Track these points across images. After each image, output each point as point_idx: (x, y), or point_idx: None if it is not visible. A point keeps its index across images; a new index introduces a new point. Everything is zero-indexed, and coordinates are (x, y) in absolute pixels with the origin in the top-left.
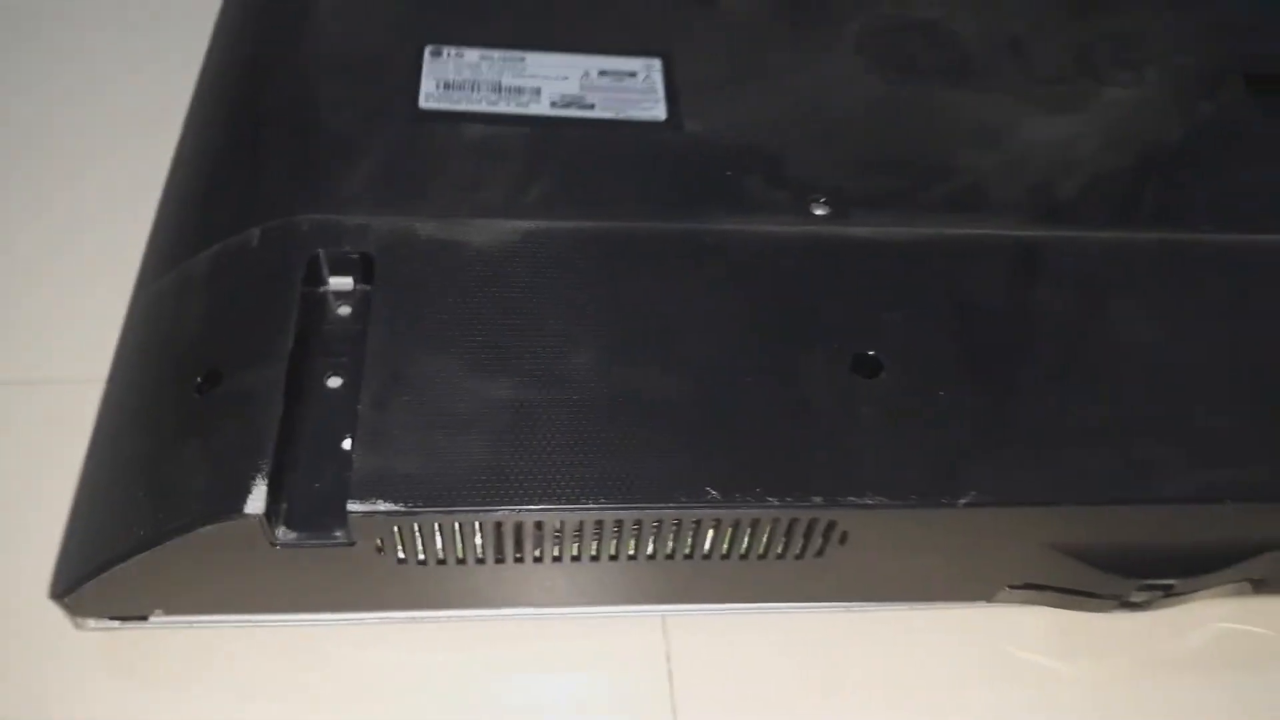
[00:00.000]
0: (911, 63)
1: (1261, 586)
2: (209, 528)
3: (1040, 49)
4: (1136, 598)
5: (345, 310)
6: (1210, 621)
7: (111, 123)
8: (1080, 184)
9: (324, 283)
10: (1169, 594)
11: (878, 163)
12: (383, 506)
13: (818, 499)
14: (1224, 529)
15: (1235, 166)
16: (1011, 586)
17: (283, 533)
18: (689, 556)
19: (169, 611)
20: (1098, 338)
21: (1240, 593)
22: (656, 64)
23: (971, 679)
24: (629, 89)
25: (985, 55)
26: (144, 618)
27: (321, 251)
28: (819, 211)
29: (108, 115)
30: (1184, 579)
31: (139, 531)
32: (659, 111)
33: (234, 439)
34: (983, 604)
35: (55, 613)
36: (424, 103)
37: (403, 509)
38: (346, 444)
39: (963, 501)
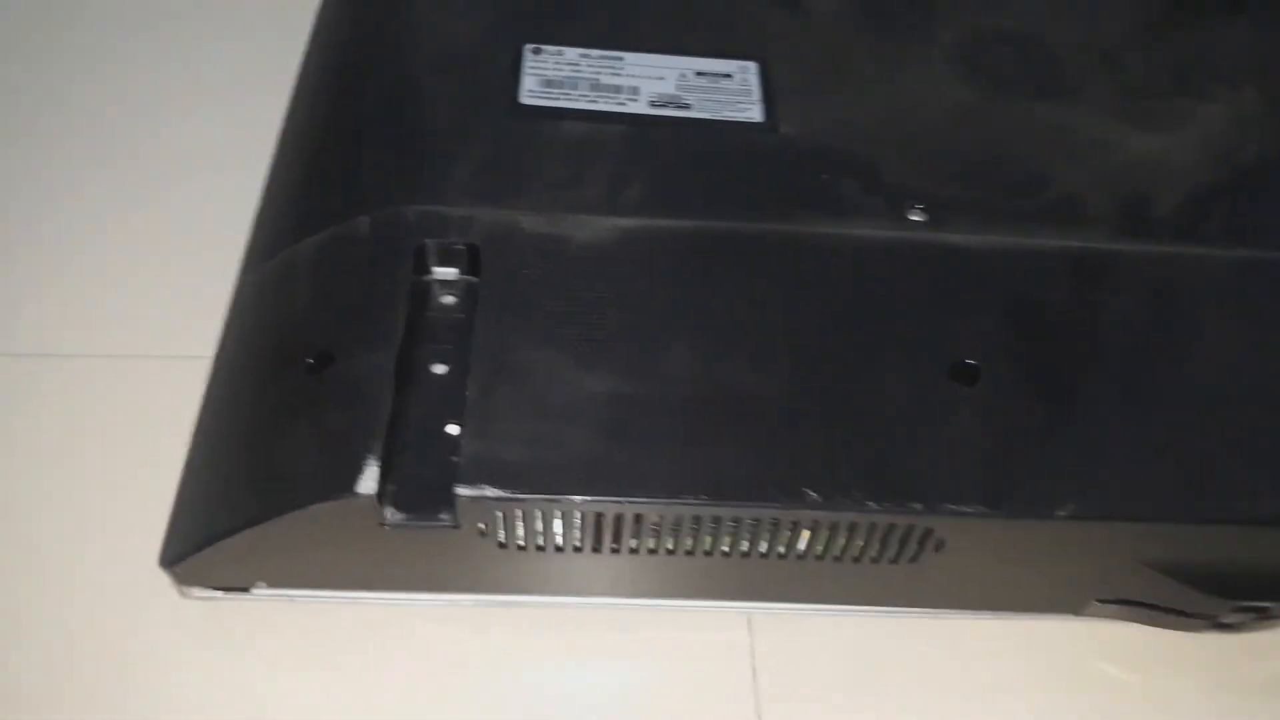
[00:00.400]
0: (1005, 73)
1: None
2: (321, 505)
3: (1134, 62)
4: (1229, 619)
5: (449, 299)
6: None
7: (213, 107)
8: (1176, 199)
9: (429, 272)
10: (1263, 616)
11: (972, 171)
12: (490, 492)
13: (918, 505)
14: None
15: None
16: (1101, 601)
17: (391, 513)
18: (783, 556)
19: (271, 584)
20: (1197, 354)
21: None
22: (753, 67)
23: (1055, 691)
24: (725, 90)
25: (1078, 68)
26: (246, 589)
27: (429, 241)
28: (916, 218)
29: (210, 99)
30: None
31: (250, 506)
32: (755, 113)
33: (347, 420)
34: (1070, 617)
35: (162, 580)
36: (525, 99)
37: (509, 495)
38: (452, 429)
39: (1061, 514)
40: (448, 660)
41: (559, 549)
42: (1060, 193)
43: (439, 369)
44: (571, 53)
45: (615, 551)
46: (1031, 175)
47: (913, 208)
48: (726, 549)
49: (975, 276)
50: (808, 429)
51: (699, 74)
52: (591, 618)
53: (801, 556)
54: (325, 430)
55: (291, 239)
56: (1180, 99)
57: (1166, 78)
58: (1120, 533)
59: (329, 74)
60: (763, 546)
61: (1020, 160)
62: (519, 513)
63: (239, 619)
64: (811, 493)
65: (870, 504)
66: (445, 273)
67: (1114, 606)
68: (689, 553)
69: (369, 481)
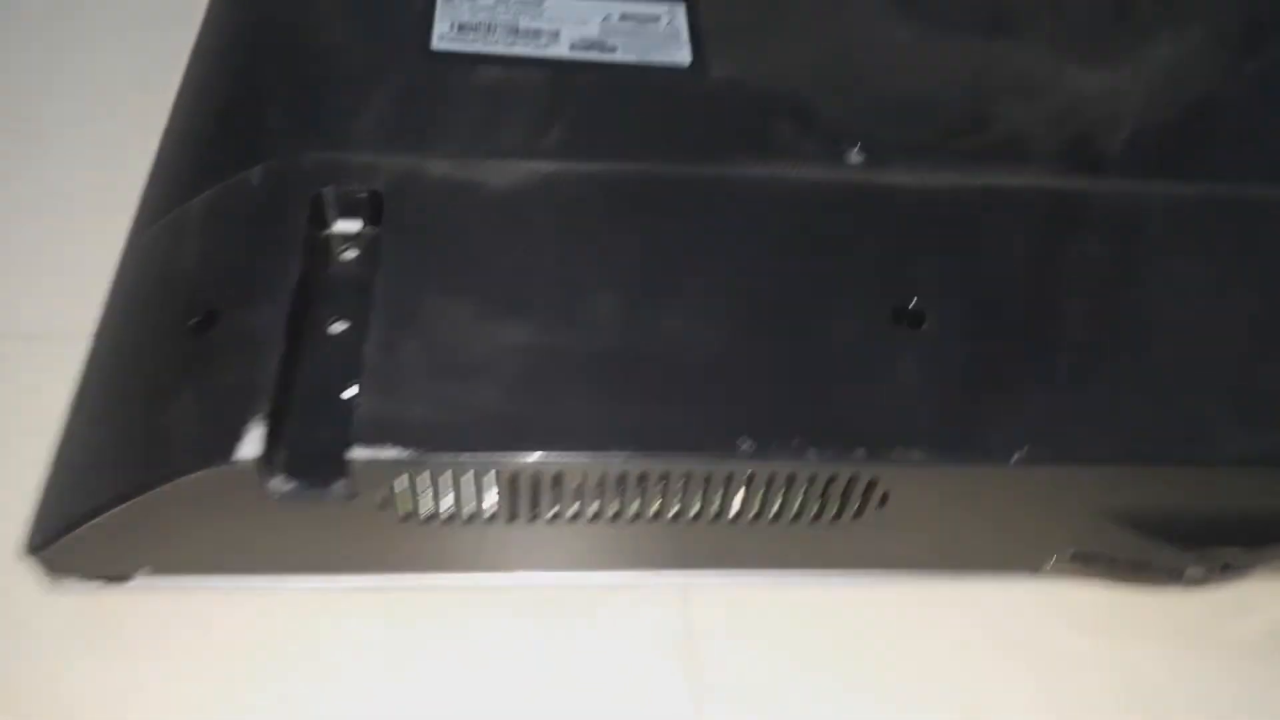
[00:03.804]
0: (944, 11)
1: None
2: (199, 474)
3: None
4: (1195, 572)
5: (352, 254)
6: (1274, 604)
7: (109, 67)
8: (1124, 136)
9: (329, 225)
10: (1229, 568)
11: (914, 111)
12: (389, 453)
13: (860, 453)
14: None
15: None
16: (1060, 558)
17: (279, 482)
18: (717, 516)
19: (155, 571)
20: (1151, 291)
21: None
22: (680, 8)
23: (1014, 658)
24: (652, 33)
25: (1021, 5)
26: (127, 578)
27: (326, 190)
28: (854, 159)
29: (105, 61)
30: (1247, 551)
31: (122, 480)
32: (683, 56)
33: (229, 381)
34: (1028, 575)
35: (30, 571)
36: (437, 44)
37: (410, 455)
38: (350, 393)
39: (1015, 458)
40: (358, 650)
41: (471, 519)
42: (1006, 132)
43: (338, 328)
44: None
45: (534, 520)
46: (975, 114)
47: (851, 149)
48: (656, 511)
49: (918, 217)
50: (741, 377)
51: (624, 17)
52: (512, 597)
53: (737, 518)
54: (206, 394)
55: (183, 196)
56: (1126, 36)
57: (1111, 15)
58: (1079, 479)
59: (232, 21)
60: (695, 507)
61: (963, 100)
62: (424, 477)
63: (122, 612)
64: (745, 441)
65: (809, 452)
66: (348, 225)
67: (1074, 563)
68: (615, 517)
69: (251, 446)
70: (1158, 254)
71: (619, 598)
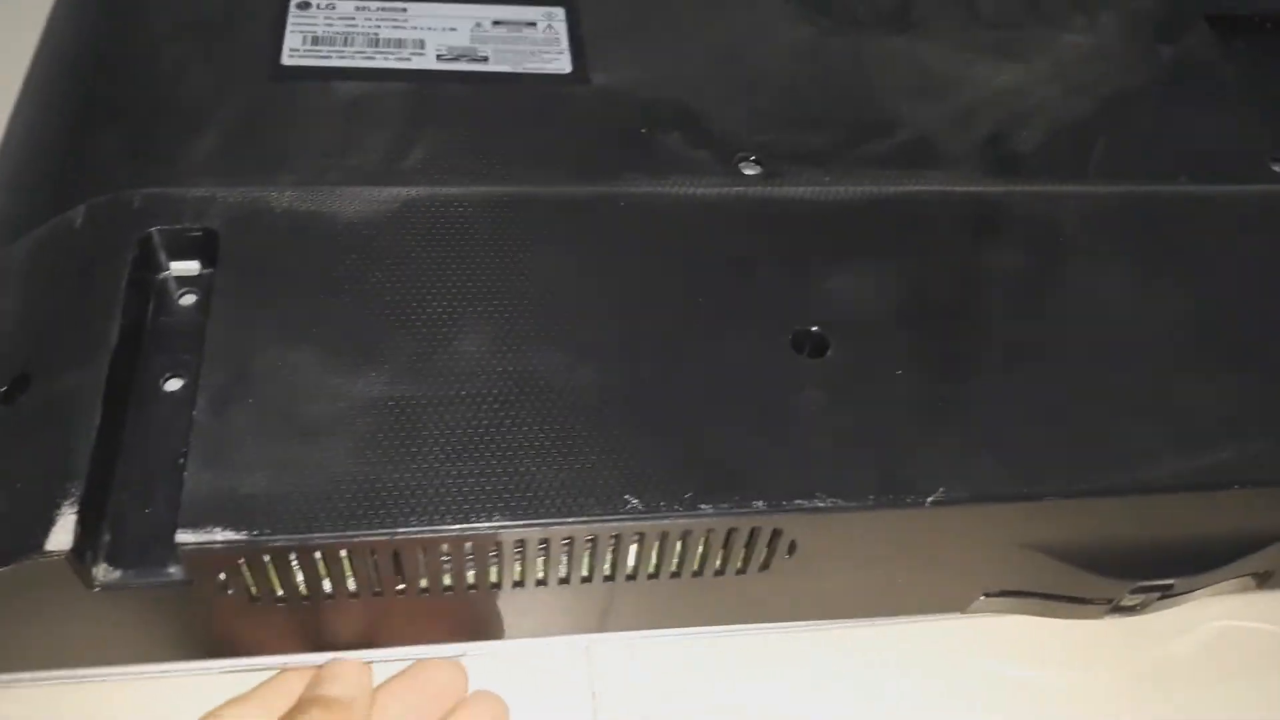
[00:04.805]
0: (844, 7)
1: (1266, 580)
2: (3, 570)
3: None
4: (1130, 601)
5: (190, 300)
6: (1209, 620)
7: None
8: (1036, 136)
9: (163, 267)
10: (1166, 595)
11: (812, 117)
12: (220, 536)
13: (759, 504)
14: (1225, 518)
15: (1202, 113)
16: (987, 595)
17: (103, 572)
18: (610, 578)
19: None
20: (1067, 304)
21: (1242, 588)
22: (559, 13)
23: (947, 700)
24: (528, 40)
25: (925, 0)
26: None
27: (155, 230)
28: (748, 171)
29: None
30: (1184, 577)
31: None
32: (563, 64)
33: (38, 457)
34: (956, 616)
35: None
36: (287, 59)
37: (246, 538)
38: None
39: (930, 499)
40: None
41: (329, 597)
42: (912, 134)
43: (174, 385)
44: (345, 5)
45: (403, 594)
46: (879, 117)
47: (745, 160)
48: (541, 576)
49: (817, 232)
50: (626, 424)
51: (496, 23)
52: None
53: (633, 576)
54: (12, 473)
55: (3, 240)
56: (1036, 29)
57: (1020, 7)
58: (998, 515)
59: (65, 43)
60: (584, 570)
61: (865, 102)
62: (266, 559)
63: None
64: (633, 499)
65: (703, 506)
66: (185, 268)
67: (1002, 600)
68: (495, 586)
69: (63, 534)
70: (1080, 266)
71: (515, 666)
